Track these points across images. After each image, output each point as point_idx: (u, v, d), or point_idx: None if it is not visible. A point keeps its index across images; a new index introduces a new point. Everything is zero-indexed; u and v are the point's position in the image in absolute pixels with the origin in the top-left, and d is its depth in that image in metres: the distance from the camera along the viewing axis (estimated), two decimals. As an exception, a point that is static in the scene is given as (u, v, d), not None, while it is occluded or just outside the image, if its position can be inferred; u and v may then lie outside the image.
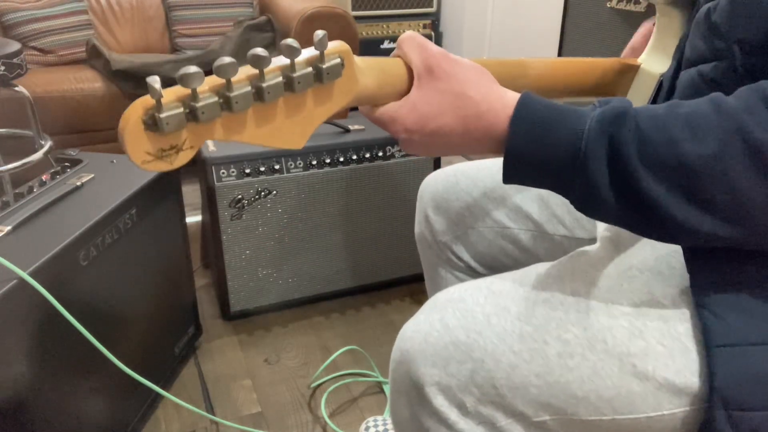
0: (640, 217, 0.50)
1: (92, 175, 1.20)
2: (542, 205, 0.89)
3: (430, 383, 0.58)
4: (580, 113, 0.52)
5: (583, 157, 0.49)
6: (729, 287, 0.53)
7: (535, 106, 0.53)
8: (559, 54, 2.08)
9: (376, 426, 1.28)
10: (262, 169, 1.47)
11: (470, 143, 0.55)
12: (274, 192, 1.51)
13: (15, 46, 1.77)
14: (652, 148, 0.48)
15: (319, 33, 0.50)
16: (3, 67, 1.69)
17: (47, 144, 1.90)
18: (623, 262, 0.60)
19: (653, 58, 0.77)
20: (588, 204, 0.52)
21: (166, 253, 1.31)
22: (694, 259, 0.55)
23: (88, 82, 2.28)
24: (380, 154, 1.58)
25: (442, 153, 0.59)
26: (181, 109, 0.45)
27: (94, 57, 2.43)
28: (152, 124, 0.44)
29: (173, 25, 2.72)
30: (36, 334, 0.92)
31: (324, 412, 1.32)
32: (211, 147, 1.49)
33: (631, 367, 0.54)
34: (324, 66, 0.50)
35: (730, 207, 0.48)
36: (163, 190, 1.27)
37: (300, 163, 1.51)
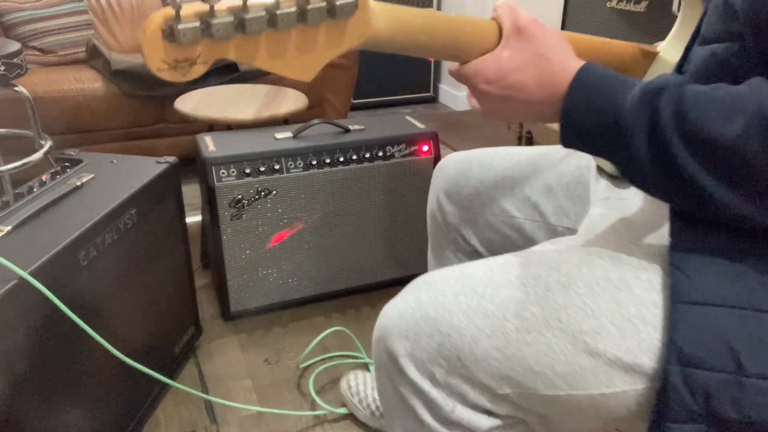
0: (676, 188, 0.53)
1: (92, 175, 1.20)
2: (550, 197, 0.90)
3: (403, 354, 0.62)
4: (629, 84, 0.55)
5: (624, 124, 0.53)
6: (704, 251, 0.55)
7: (595, 73, 0.57)
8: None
9: (356, 378, 1.30)
10: (262, 169, 1.47)
11: (540, 102, 0.59)
12: (274, 192, 1.51)
13: (15, 46, 1.77)
14: (687, 122, 0.51)
15: None
16: (3, 67, 1.69)
17: (47, 144, 1.90)
18: (587, 250, 0.64)
19: (673, 47, 0.77)
20: (629, 170, 0.55)
21: (166, 253, 1.31)
22: (678, 221, 0.58)
23: (88, 82, 2.29)
24: (380, 154, 1.58)
25: (513, 112, 0.62)
26: (198, 24, 0.48)
27: (94, 57, 2.43)
28: (170, 33, 0.47)
29: (173, 25, 2.72)
30: (36, 334, 0.92)
31: (325, 407, 1.32)
32: (210, 147, 1.49)
33: (583, 344, 0.58)
34: (337, 2, 0.52)
35: (756, 187, 0.49)
36: (163, 190, 1.27)
37: (300, 163, 1.51)
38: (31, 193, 1.11)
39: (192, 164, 1.57)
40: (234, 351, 1.52)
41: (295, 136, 1.56)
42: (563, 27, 2.24)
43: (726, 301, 0.53)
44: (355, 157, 1.56)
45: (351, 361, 1.46)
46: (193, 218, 2.11)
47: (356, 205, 1.61)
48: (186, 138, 2.44)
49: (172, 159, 1.30)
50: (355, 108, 3.25)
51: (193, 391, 1.29)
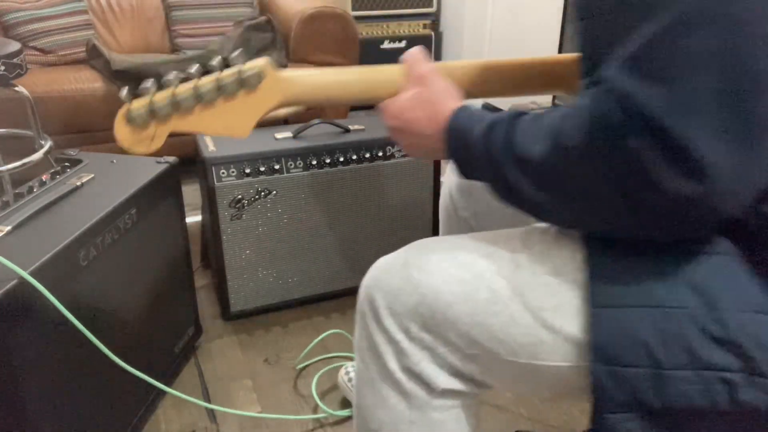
0: (521, 203, 0.62)
1: (92, 175, 1.20)
2: None
3: (383, 306, 0.68)
4: (482, 121, 0.65)
5: (477, 156, 0.64)
6: (614, 255, 0.59)
7: (461, 114, 0.69)
8: (560, 53, 2.08)
9: (354, 369, 1.30)
10: (262, 169, 1.47)
11: (431, 137, 0.71)
12: (274, 192, 1.51)
13: (15, 46, 1.77)
14: (515, 146, 0.60)
15: (236, 52, 0.69)
16: (3, 67, 1.69)
17: (47, 144, 1.90)
18: (562, 233, 0.67)
19: None
20: (493, 193, 0.65)
21: (166, 253, 1.31)
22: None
23: (88, 82, 2.28)
24: (380, 154, 1.58)
25: (415, 145, 0.75)
26: (144, 110, 0.65)
27: (94, 57, 2.43)
28: (128, 120, 0.65)
29: (173, 25, 2.72)
30: (36, 334, 0.92)
31: (326, 410, 1.32)
32: (210, 147, 1.49)
33: (543, 320, 0.62)
34: (244, 77, 0.67)
35: (567, 195, 0.57)
36: (163, 190, 1.27)
37: (300, 163, 1.51)
38: (31, 193, 1.11)
39: (192, 164, 1.57)
40: (234, 351, 1.52)
41: (295, 136, 1.56)
42: (563, 27, 2.24)
43: (635, 301, 0.56)
44: (355, 157, 1.56)
45: (351, 362, 1.46)
46: (193, 218, 2.11)
47: (356, 205, 1.61)
48: (186, 138, 2.44)
49: (172, 159, 1.30)
50: (355, 108, 3.25)
51: (192, 399, 1.29)
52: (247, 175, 1.47)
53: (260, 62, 0.69)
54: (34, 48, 2.45)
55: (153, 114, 0.65)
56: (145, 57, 2.44)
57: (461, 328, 0.65)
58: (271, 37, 2.54)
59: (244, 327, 1.60)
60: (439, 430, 0.70)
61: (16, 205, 1.06)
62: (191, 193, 2.24)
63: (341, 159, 1.54)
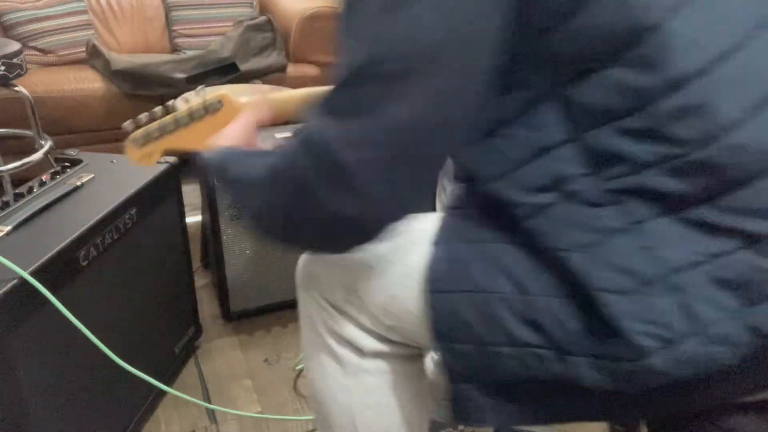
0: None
1: (92, 175, 1.20)
2: None
3: (313, 276, 0.75)
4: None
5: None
6: (458, 243, 0.64)
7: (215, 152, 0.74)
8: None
9: None
10: (262, 169, 1.47)
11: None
12: (274, 192, 1.51)
13: (15, 46, 1.77)
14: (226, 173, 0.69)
15: (199, 89, 0.92)
16: (3, 67, 1.69)
17: (47, 144, 1.90)
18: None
19: None
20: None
21: (166, 253, 1.31)
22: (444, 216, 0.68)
23: (88, 82, 2.28)
24: (380, 154, 1.58)
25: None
26: (143, 135, 0.87)
27: (94, 57, 2.43)
28: (133, 142, 0.88)
29: (173, 25, 2.72)
30: (36, 334, 0.92)
31: (324, 412, 1.32)
32: (211, 147, 1.49)
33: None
34: (207, 105, 0.86)
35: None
36: (163, 190, 1.27)
37: (300, 163, 1.51)
38: (31, 193, 1.11)
39: (192, 164, 1.56)
40: (234, 351, 1.52)
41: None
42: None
43: (462, 286, 0.61)
44: (355, 157, 1.56)
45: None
46: (193, 218, 2.11)
47: (356, 205, 1.60)
48: (186, 138, 2.44)
49: (172, 159, 1.30)
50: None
51: (192, 399, 1.29)
52: (247, 175, 1.47)
53: (220, 92, 0.88)
54: (34, 48, 2.45)
55: (148, 137, 0.89)
56: (145, 57, 2.44)
57: (377, 299, 0.68)
58: (271, 37, 2.55)
59: (244, 327, 1.60)
60: (376, 395, 0.73)
61: (16, 205, 1.06)
62: (191, 193, 2.24)
63: (341, 159, 1.54)
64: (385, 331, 0.71)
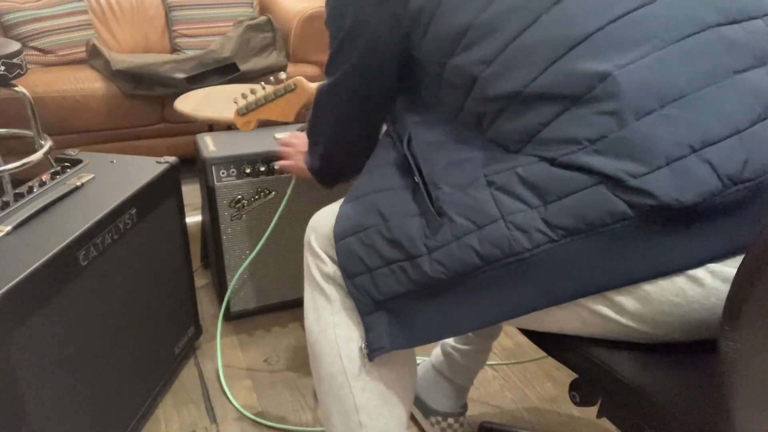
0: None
1: (92, 175, 1.20)
2: None
3: (312, 231, 0.91)
4: None
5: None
6: (351, 201, 0.84)
7: None
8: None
9: None
10: (262, 169, 1.47)
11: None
12: (274, 192, 1.51)
13: (15, 46, 1.77)
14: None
15: (282, 75, 1.27)
16: (3, 67, 1.69)
17: (47, 144, 1.90)
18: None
19: None
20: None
21: (166, 253, 1.31)
22: None
23: (88, 82, 2.29)
24: (380, 154, 1.58)
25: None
26: (243, 107, 1.28)
27: (94, 57, 2.43)
28: (238, 113, 1.29)
29: (173, 25, 2.72)
30: (36, 334, 0.92)
31: (324, 412, 1.32)
32: (211, 147, 1.49)
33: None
34: (286, 86, 1.22)
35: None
36: (163, 190, 1.27)
37: (300, 163, 1.51)
38: (31, 193, 1.11)
39: (192, 164, 1.57)
40: (234, 351, 1.52)
41: (295, 136, 1.57)
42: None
43: (352, 230, 0.80)
44: (355, 157, 1.56)
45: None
46: (193, 218, 2.11)
47: (356, 205, 1.60)
48: (186, 138, 2.44)
49: (172, 159, 1.30)
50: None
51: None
52: (247, 175, 1.47)
53: (297, 78, 1.21)
54: (34, 48, 2.45)
55: (247, 109, 1.26)
56: (145, 57, 2.44)
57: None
58: (271, 37, 2.55)
59: (244, 327, 1.60)
60: (358, 330, 0.85)
61: (16, 205, 1.06)
62: (191, 193, 2.24)
63: (341, 159, 1.54)
64: None
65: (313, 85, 1.19)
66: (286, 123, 1.83)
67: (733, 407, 0.53)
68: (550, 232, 0.64)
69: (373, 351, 0.79)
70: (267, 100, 1.22)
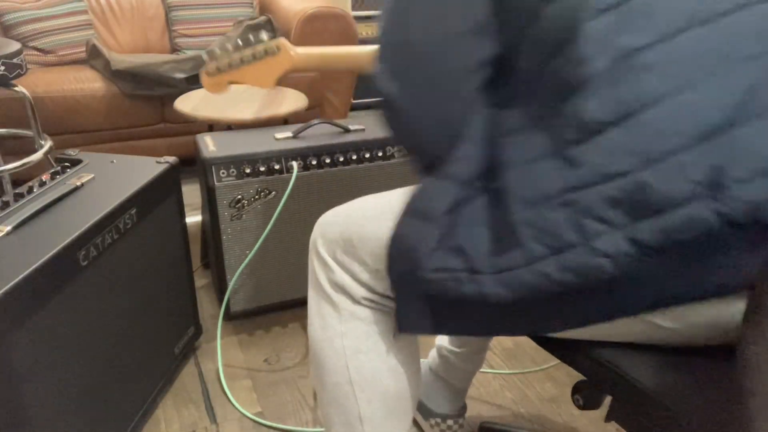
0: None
1: (92, 175, 1.20)
2: None
3: (319, 236, 0.86)
4: None
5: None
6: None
7: None
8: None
9: None
10: (262, 169, 1.47)
11: None
12: (274, 192, 1.51)
13: (15, 46, 1.77)
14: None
15: (262, 34, 1.14)
16: (3, 67, 1.69)
17: (47, 144, 1.90)
18: None
19: None
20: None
21: (166, 253, 1.31)
22: None
23: (88, 82, 2.29)
24: (380, 154, 1.58)
25: None
26: (214, 68, 1.13)
27: (94, 57, 2.43)
28: (207, 73, 1.14)
29: (173, 25, 2.72)
30: (36, 334, 0.92)
31: (324, 412, 1.32)
32: (211, 147, 1.49)
33: None
34: (267, 49, 1.10)
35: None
36: (163, 190, 1.27)
37: (300, 163, 1.51)
38: (31, 193, 1.11)
39: (192, 164, 1.57)
40: (234, 351, 1.52)
41: (295, 136, 1.56)
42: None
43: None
44: (355, 157, 1.56)
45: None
46: (193, 218, 2.11)
47: (356, 205, 1.60)
48: (186, 138, 2.44)
49: (172, 159, 1.30)
50: (355, 108, 3.25)
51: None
52: (247, 175, 1.47)
53: (279, 39, 1.10)
54: (34, 48, 2.45)
55: (219, 69, 1.12)
56: (145, 57, 2.44)
57: (368, 245, 0.79)
58: (271, 38, 2.55)
59: (244, 327, 1.60)
60: (367, 341, 0.83)
61: (16, 205, 1.06)
62: (191, 193, 2.24)
63: (341, 159, 1.54)
64: (374, 279, 0.81)
65: (300, 51, 1.10)
66: (279, 123, 1.82)
67: (753, 413, 0.52)
68: (636, 251, 0.59)
69: (403, 328, 0.76)
70: (243, 62, 1.10)
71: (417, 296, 0.73)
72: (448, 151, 0.71)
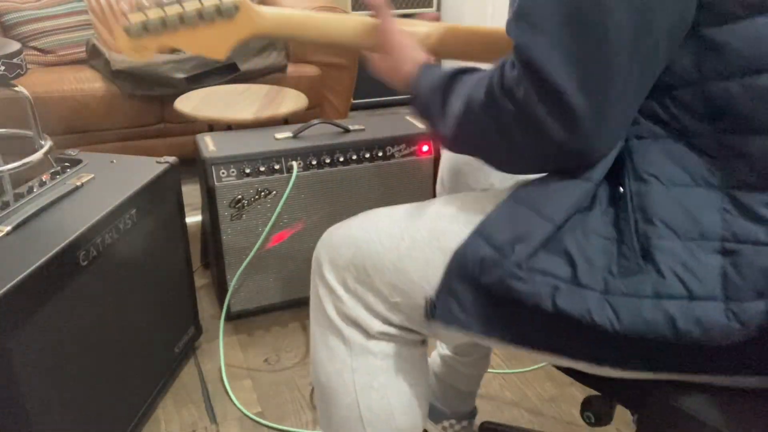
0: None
1: (92, 175, 1.20)
2: None
3: (327, 261, 0.78)
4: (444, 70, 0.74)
5: (426, 106, 0.75)
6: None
7: (419, 73, 0.77)
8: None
9: None
10: (262, 169, 1.47)
11: (401, 73, 0.81)
12: (274, 192, 1.51)
13: (15, 46, 1.77)
14: (445, 102, 0.70)
15: None
16: (3, 67, 1.69)
17: (47, 144, 1.89)
18: (480, 193, 0.78)
19: None
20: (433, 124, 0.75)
21: (166, 253, 1.31)
22: None
23: (88, 82, 2.28)
24: (380, 154, 1.58)
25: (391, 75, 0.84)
26: (138, 26, 0.78)
27: (94, 57, 2.43)
28: (126, 31, 0.78)
29: (173, 25, 2.72)
30: (36, 334, 0.92)
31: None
32: (210, 147, 1.49)
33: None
34: (222, 7, 0.78)
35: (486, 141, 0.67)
36: (163, 190, 1.27)
37: (300, 163, 1.51)
38: (31, 193, 1.11)
39: (192, 164, 1.57)
40: (234, 351, 1.52)
41: (295, 136, 1.56)
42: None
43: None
44: (355, 157, 1.56)
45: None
46: (193, 218, 2.11)
47: (356, 205, 1.60)
48: (186, 138, 2.44)
49: (172, 159, 1.30)
50: (355, 108, 3.25)
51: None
52: (247, 175, 1.47)
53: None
54: (34, 48, 2.45)
55: (145, 29, 0.78)
56: (145, 57, 2.44)
57: (386, 275, 0.73)
58: (271, 37, 2.54)
59: (244, 327, 1.60)
60: (380, 377, 0.77)
61: (16, 205, 1.06)
62: (191, 193, 2.24)
63: (341, 159, 1.54)
64: (390, 311, 0.74)
65: (266, 13, 0.82)
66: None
67: None
68: None
69: (436, 316, 0.67)
70: (185, 23, 0.79)
71: (474, 288, 0.64)
72: (607, 154, 0.61)
